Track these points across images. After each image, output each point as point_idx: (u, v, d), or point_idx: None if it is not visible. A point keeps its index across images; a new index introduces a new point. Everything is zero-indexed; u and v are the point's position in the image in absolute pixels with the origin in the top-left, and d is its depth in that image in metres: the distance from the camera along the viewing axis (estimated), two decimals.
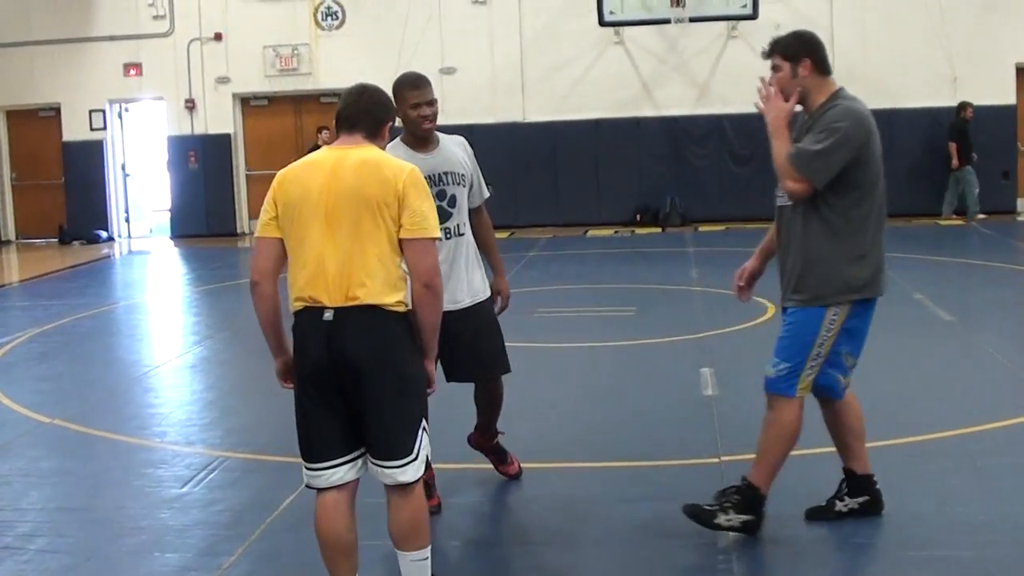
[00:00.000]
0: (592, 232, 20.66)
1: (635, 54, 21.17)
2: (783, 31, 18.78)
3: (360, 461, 4.60)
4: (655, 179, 21.22)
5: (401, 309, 4.50)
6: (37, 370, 10.82)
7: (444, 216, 5.74)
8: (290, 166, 4.71)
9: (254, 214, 22.52)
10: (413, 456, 4.50)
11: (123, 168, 23.34)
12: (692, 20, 19.33)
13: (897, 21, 20.29)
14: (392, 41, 21.37)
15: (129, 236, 23.34)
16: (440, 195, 5.83)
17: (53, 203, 22.97)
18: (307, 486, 4.64)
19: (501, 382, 6.23)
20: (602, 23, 19.80)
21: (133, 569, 5.63)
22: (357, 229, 4.45)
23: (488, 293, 6.17)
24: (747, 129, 20.82)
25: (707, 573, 5.17)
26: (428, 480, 5.74)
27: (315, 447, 4.55)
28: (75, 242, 22.44)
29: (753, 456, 5.76)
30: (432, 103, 5.87)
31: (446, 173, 5.96)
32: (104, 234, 22.80)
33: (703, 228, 20.29)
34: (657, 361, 10.07)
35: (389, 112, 4.74)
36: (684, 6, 18.90)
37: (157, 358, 11.53)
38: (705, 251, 17.34)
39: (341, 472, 4.56)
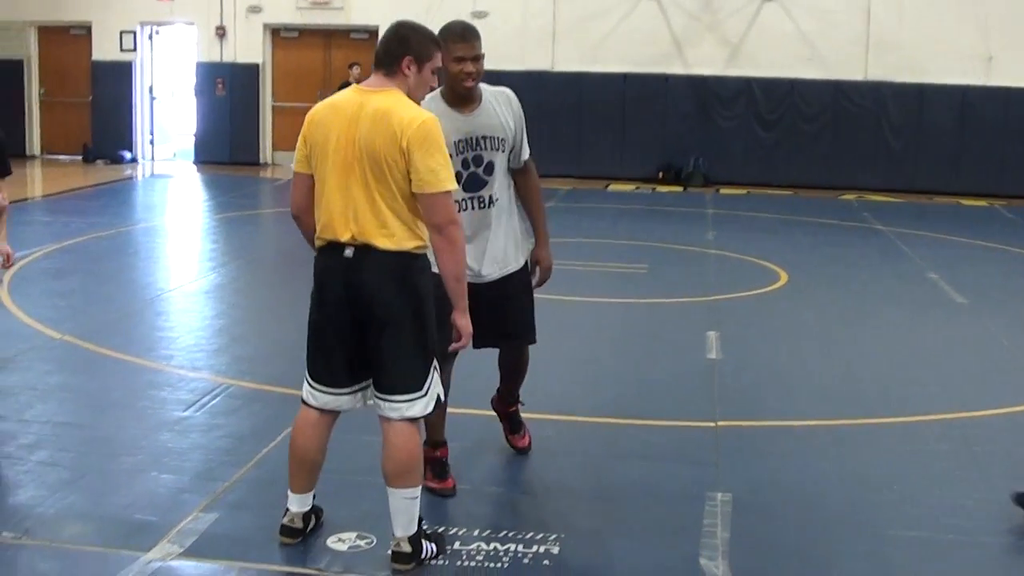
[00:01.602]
0: (613, 186, 20.63)
1: (668, 9, 21.02)
2: None
3: (360, 395, 4.83)
4: (680, 137, 21.13)
5: (419, 252, 4.64)
6: (51, 285, 10.93)
7: (478, 184, 5.52)
8: (318, 105, 4.82)
9: (278, 145, 22.56)
10: (423, 392, 4.69)
11: (151, 91, 23.33)
12: None
13: None
14: None
15: (153, 159, 23.38)
16: (476, 160, 5.51)
17: (79, 121, 23.00)
18: (302, 399, 4.88)
19: (527, 351, 6.05)
20: None
21: (129, 487, 5.73)
22: (369, 180, 4.57)
23: (521, 263, 5.78)
24: (776, 93, 20.77)
25: (692, 532, 5.22)
26: (443, 459, 5.77)
27: (322, 370, 4.80)
28: (99, 161, 22.48)
29: (749, 423, 5.82)
30: (478, 59, 5.40)
31: (484, 138, 5.51)
32: (128, 155, 22.83)
33: (725, 190, 20.24)
34: (664, 321, 10.12)
35: (406, 46, 4.67)
36: None
37: (171, 282, 11.63)
38: (724, 213, 17.32)
39: (340, 401, 4.83)
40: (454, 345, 4.78)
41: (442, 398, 4.87)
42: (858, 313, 10.56)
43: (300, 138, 4.77)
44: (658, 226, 15.89)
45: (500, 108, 5.59)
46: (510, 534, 5.16)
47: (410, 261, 4.64)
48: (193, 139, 23.33)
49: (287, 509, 5.02)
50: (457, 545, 5.04)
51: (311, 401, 4.86)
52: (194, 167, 22.60)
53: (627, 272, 12.12)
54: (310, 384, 4.85)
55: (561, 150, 21.22)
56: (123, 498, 5.57)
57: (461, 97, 5.47)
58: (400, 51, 4.68)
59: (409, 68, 4.68)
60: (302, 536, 5.02)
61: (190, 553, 4.93)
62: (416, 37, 4.72)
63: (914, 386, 8.09)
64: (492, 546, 5.04)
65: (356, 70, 20.48)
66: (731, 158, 20.99)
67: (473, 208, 5.56)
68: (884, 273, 12.64)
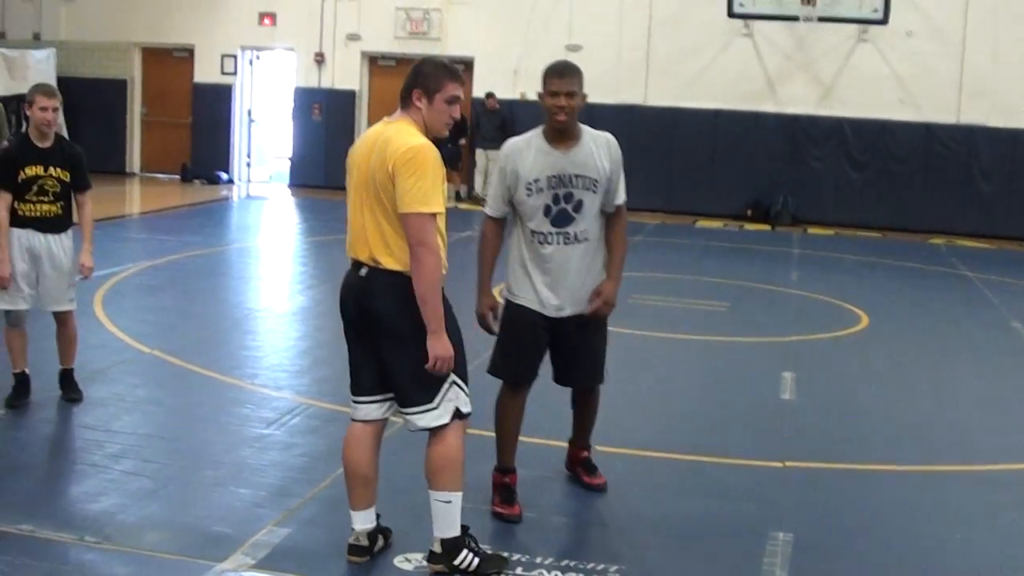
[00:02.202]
0: (701, 222, 20.67)
1: (762, 48, 21.06)
2: (913, 39, 18.61)
3: (387, 405, 5.13)
4: (769, 176, 21.12)
5: None
6: (143, 301, 11.27)
7: (566, 220, 5.69)
8: (359, 137, 5.17)
9: None
10: (433, 406, 4.95)
11: (249, 113, 23.87)
12: (821, 19, 19.19)
13: None
14: (521, 14, 21.55)
15: (248, 180, 23.88)
16: (566, 197, 5.67)
17: (179, 141, 23.59)
18: (350, 416, 5.19)
19: (598, 392, 6.19)
20: (731, 14, 19.77)
21: (207, 499, 5.95)
22: (375, 206, 4.88)
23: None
24: (867, 134, 20.68)
25: (751, 570, 5.29)
26: (511, 485, 5.94)
27: (354, 382, 5.16)
28: (196, 181, 23.03)
29: (817, 464, 5.87)
30: (572, 95, 5.56)
31: (577, 176, 5.67)
32: (225, 176, 23.36)
33: (812, 230, 20.19)
34: (740, 360, 10.16)
35: (415, 78, 4.93)
36: (815, 5, 18.76)
37: (260, 302, 11.94)
38: (810, 254, 17.30)
39: (370, 409, 5.12)
40: (428, 367, 4.83)
41: (463, 410, 5.01)
42: (936, 360, 10.53)
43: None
44: (743, 264, 15.91)
45: (598, 150, 5.74)
46: (572, 563, 5.27)
47: (408, 282, 4.82)
48: (289, 162, 23.80)
49: (352, 529, 5.20)
50: (519, 571, 5.17)
51: (353, 414, 5.18)
52: (289, 190, 23.05)
53: (707, 309, 12.18)
54: (351, 400, 5.18)
55: (651, 184, 21.27)
56: (201, 510, 5.79)
57: (558, 133, 5.67)
58: (411, 83, 4.96)
59: (419, 100, 4.93)
60: (369, 555, 5.18)
61: (261, 566, 5.12)
62: (427, 70, 4.96)
63: (987, 435, 8.06)
64: (553, 573, 5.16)
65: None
66: (820, 198, 20.94)
67: (559, 243, 5.75)
68: (967, 321, 12.56)
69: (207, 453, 6.74)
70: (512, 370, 5.80)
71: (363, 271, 4.94)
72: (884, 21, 19.18)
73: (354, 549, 5.19)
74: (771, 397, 8.58)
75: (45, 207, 7.26)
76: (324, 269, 14.53)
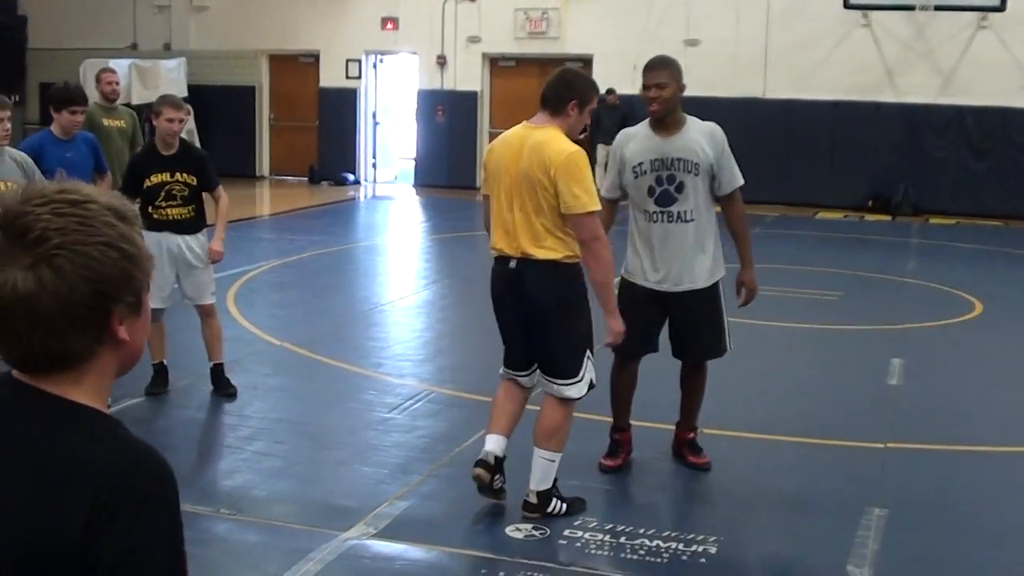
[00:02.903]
0: (822, 214, 20.68)
1: (880, 38, 20.98)
2: None
3: (532, 376, 5.78)
4: (890, 166, 21.03)
5: (569, 261, 5.46)
6: (274, 297, 11.83)
7: (668, 200, 6.15)
8: (496, 139, 5.72)
9: None
10: (578, 378, 5.59)
11: (374, 116, 24.49)
12: (937, 8, 19.07)
13: None
14: (639, 10, 21.76)
15: (375, 181, 24.50)
16: (669, 179, 6.11)
17: (306, 144, 24.32)
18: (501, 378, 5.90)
19: (704, 374, 6.59)
20: (847, 5, 19.74)
21: (334, 477, 6.39)
22: (527, 203, 5.42)
23: (711, 281, 6.26)
24: (989, 123, 20.48)
25: (844, 543, 5.53)
26: (619, 440, 6.59)
27: (507, 356, 5.82)
28: (323, 182, 23.71)
29: (919, 445, 6.07)
30: (661, 86, 6.03)
31: (678, 159, 6.11)
32: (351, 177, 24.01)
33: (934, 220, 20.07)
34: (850, 346, 10.33)
35: (572, 91, 5.49)
36: None
37: (385, 297, 12.43)
38: (929, 244, 17.26)
39: (523, 380, 5.81)
40: (606, 342, 5.61)
41: (594, 382, 5.67)
42: None
43: (483, 166, 5.67)
44: (860, 255, 15.96)
45: (699, 137, 6.20)
46: (673, 534, 5.60)
47: (562, 269, 5.46)
48: (413, 163, 24.37)
49: (484, 450, 5.79)
50: (623, 539, 5.51)
51: (503, 375, 5.87)
52: (413, 189, 23.61)
53: (821, 299, 12.32)
54: (504, 368, 5.86)
55: (770, 177, 21.33)
56: (327, 485, 6.23)
57: (657, 121, 6.19)
58: (568, 95, 5.48)
59: (573, 110, 5.48)
60: (491, 474, 5.71)
61: (383, 534, 5.54)
62: (581, 84, 5.56)
63: None
64: (655, 543, 5.48)
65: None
66: (941, 188, 20.78)
67: (663, 220, 6.21)
68: None
69: (333, 435, 7.19)
70: (620, 343, 6.18)
71: (512, 263, 5.50)
72: (1002, 8, 18.99)
73: (481, 463, 5.74)
74: (878, 382, 8.74)
75: (175, 210, 7.72)
76: (447, 264, 15.01)
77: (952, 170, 20.84)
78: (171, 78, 22.58)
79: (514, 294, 5.55)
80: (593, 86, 5.65)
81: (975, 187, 20.64)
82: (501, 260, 5.59)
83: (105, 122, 10.29)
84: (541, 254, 5.42)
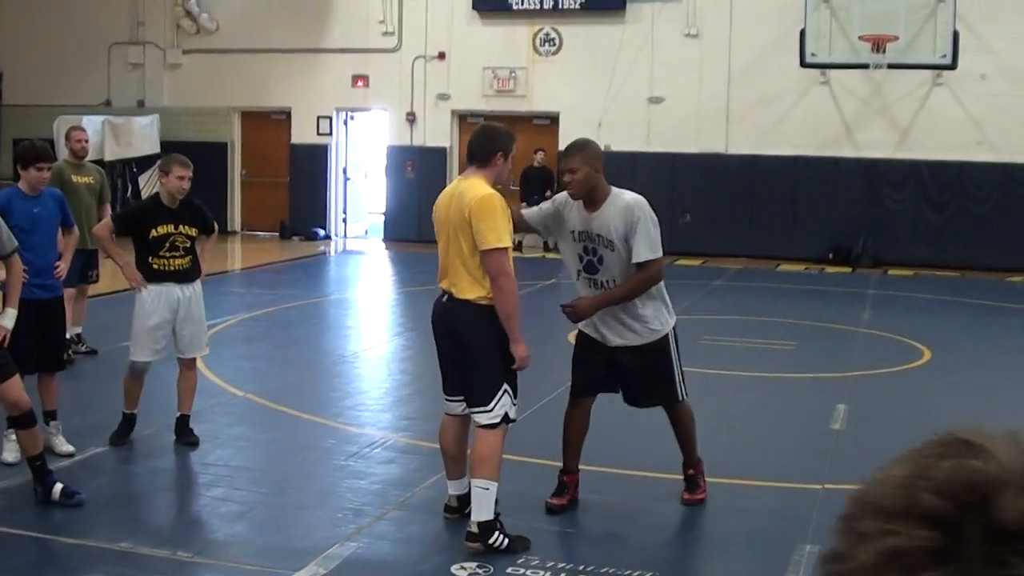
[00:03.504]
0: (783, 266, 21.07)
1: (839, 95, 21.50)
2: (988, 82, 19.02)
3: (464, 404, 6.31)
4: (849, 219, 21.48)
5: (485, 303, 6.02)
6: (240, 350, 12.09)
7: (593, 269, 6.68)
8: (441, 193, 6.35)
9: None
10: (489, 408, 6.08)
11: (344, 171, 24.84)
12: (891, 66, 19.58)
13: None
14: (605, 69, 22.25)
15: (345, 236, 24.82)
16: (592, 251, 6.64)
17: (277, 200, 24.64)
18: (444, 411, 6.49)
19: (683, 415, 6.98)
20: (803, 64, 20.23)
21: (289, 520, 6.66)
22: (455, 246, 6.04)
23: (654, 337, 6.65)
24: (945, 176, 20.98)
25: None
26: (565, 482, 6.90)
27: (443, 383, 6.46)
28: (295, 237, 24.01)
29: (855, 485, 6.37)
30: (572, 171, 6.46)
31: (597, 235, 6.60)
32: (322, 232, 24.32)
33: (893, 271, 20.49)
34: (798, 393, 10.66)
35: (496, 144, 6.15)
36: (884, 52, 19.18)
37: (349, 348, 12.70)
38: (886, 294, 17.64)
39: (453, 406, 6.42)
40: (513, 367, 6.08)
41: (510, 416, 6.11)
42: (989, 388, 10.90)
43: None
44: (817, 305, 16.32)
45: (614, 214, 6.58)
46: (612, 570, 5.87)
47: (480, 309, 6.04)
48: (383, 217, 24.70)
49: (448, 493, 6.55)
50: None
51: (445, 408, 6.49)
52: (383, 244, 23.92)
53: (774, 348, 12.66)
54: (443, 395, 6.47)
55: (733, 230, 21.82)
56: (282, 529, 6.50)
57: (583, 199, 6.62)
58: (494, 148, 6.11)
59: (499, 160, 6.11)
60: (459, 513, 6.44)
61: (333, 573, 5.78)
62: (502, 137, 6.20)
63: None
64: None
65: (540, 155, 21.74)
66: (900, 240, 21.24)
67: (590, 287, 6.72)
68: None
69: (290, 482, 7.44)
70: (573, 382, 6.84)
71: (445, 298, 6.19)
72: (953, 66, 19.50)
73: (447, 508, 6.56)
74: (822, 427, 9.05)
75: (178, 261, 8.05)
76: (413, 317, 15.23)
77: (910, 222, 21.31)
78: (144, 135, 22.91)
79: (443, 326, 6.21)
80: (511, 136, 6.32)
81: (933, 239, 21.10)
82: (439, 295, 6.27)
83: (74, 178, 10.58)
84: (463, 294, 6.05)
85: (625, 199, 6.60)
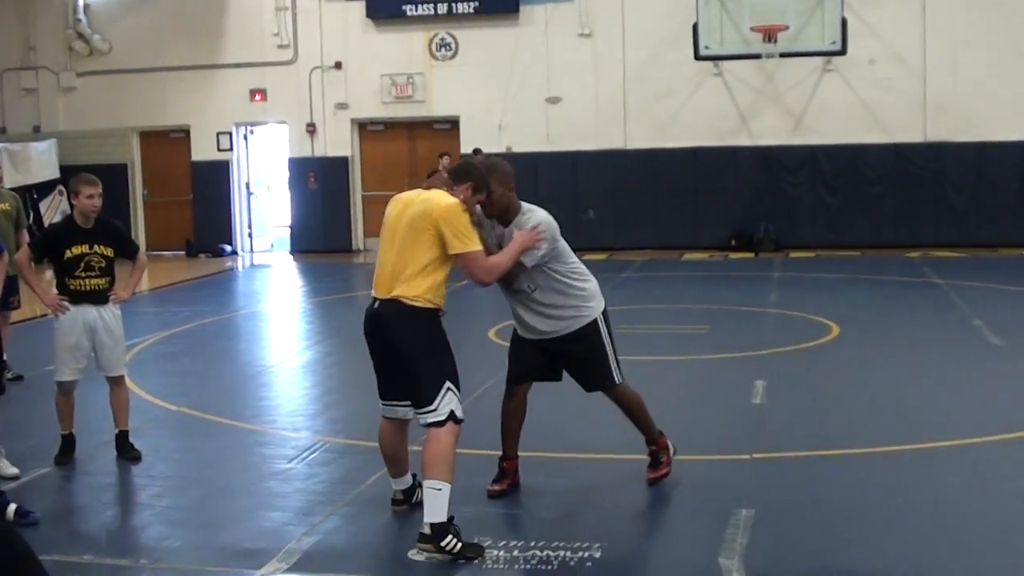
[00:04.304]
0: (688, 255, 21.55)
1: (733, 86, 22.05)
2: (876, 66, 19.64)
3: (405, 408, 6.50)
4: (750, 206, 22.04)
5: (425, 305, 6.18)
6: (165, 366, 12.14)
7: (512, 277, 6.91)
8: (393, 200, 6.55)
9: (369, 232, 23.93)
10: (433, 408, 6.16)
11: (247, 186, 24.84)
12: (783, 55, 20.12)
13: (988, 56, 20.83)
14: (501, 71, 22.57)
15: (251, 250, 24.82)
16: None
17: (181, 218, 24.57)
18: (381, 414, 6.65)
19: (625, 396, 7.28)
20: (697, 57, 20.70)
21: (242, 523, 6.80)
22: (404, 246, 6.25)
23: (581, 324, 6.96)
24: (840, 159, 21.65)
25: (716, 540, 6.11)
26: (505, 468, 7.18)
27: (380, 389, 6.59)
28: (201, 255, 23.95)
29: (780, 454, 6.72)
30: (468, 199, 6.58)
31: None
32: (228, 248, 24.30)
33: (794, 254, 21.07)
34: (717, 373, 11.03)
35: (467, 175, 6.43)
36: (776, 42, 19.71)
37: (272, 359, 12.81)
38: (790, 276, 18.16)
39: (390, 410, 6.61)
40: (534, 239, 6.59)
41: (457, 415, 6.18)
42: (896, 358, 11.40)
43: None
44: (725, 290, 16.77)
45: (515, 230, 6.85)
46: (561, 544, 6.13)
47: (417, 311, 6.16)
48: (289, 230, 24.73)
49: (392, 489, 6.78)
50: (516, 552, 6.03)
51: (382, 412, 6.66)
52: (290, 256, 23.97)
53: (689, 333, 13.04)
54: (380, 400, 6.63)
55: (637, 223, 22.25)
56: (237, 531, 6.64)
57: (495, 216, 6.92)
58: (465, 177, 6.42)
59: (467, 191, 6.38)
60: (406, 504, 6.75)
61: (295, 569, 5.97)
62: (475, 173, 6.48)
63: (935, 417, 8.96)
64: (545, 553, 6.02)
65: (446, 160, 21.98)
66: (799, 223, 21.85)
67: (512, 295, 7.02)
68: (931, 322, 13.49)
69: (237, 487, 7.57)
70: (510, 372, 7.19)
71: (376, 304, 6.27)
72: (843, 52, 20.13)
73: (394, 502, 6.79)
74: (744, 402, 9.43)
75: (93, 281, 8.13)
76: (329, 325, 15.42)
77: (808, 206, 21.93)
78: (43, 160, 22.70)
79: (376, 333, 6.30)
80: (485, 180, 6.48)
81: (831, 220, 21.75)
82: (371, 303, 6.34)
83: None
84: (396, 294, 6.16)
85: (539, 214, 6.86)
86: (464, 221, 6.21)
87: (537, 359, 7.11)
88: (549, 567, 5.85)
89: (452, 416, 6.15)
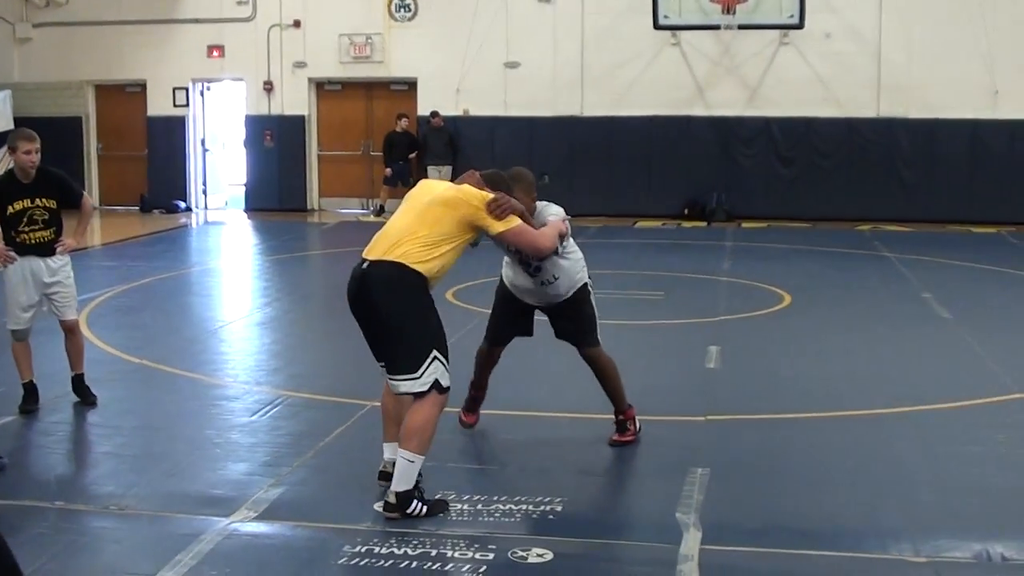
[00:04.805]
0: (641, 223, 21.75)
1: (690, 56, 22.20)
2: (831, 40, 19.83)
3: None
4: (703, 176, 22.24)
5: (416, 268, 6.06)
6: (124, 320, 12.20)
7: (535, 272, 7.22)
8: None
9: (324, 192, 23.95)
10: (416, 376, 6.05)
11: (203, 143, 24.74)
12: (741, 27, 20.30)
13: (943, 34, 21.10)
14: (461, 34, 22.56)
15: (206, 207, 24.72)
16: (526, 263, 7.17)
17: (136, 174, 24.41)
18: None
19: (602, 362, 7.51)
20: (656, 26, 20.84)
21: (210, 473, 6.93)
22: (419, 215, 6.22)
23: (571, 294, 7.31)
24: (794, 132, 21.90)
25: (673, 496, 6.33)
26: (476, 396, 7.63)
27: (372, 353, 6.32)
28: (155, 211, 23.83)
29: (734, 416, 6.95)
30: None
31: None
32: (182, 204, 24.19)
33: (746, 224, 21.32)
34: (671, 338, 11.26)
35: (499, 186, 6.44)
36: (735, 13, 19.89)
37: (230, 315, 12.89)
38: (742, 245, 18.41)
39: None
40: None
41: (442, 383, 6.07)
42: (848, 327, 11.67)
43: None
44: (679, 258, 17.01)
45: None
46: (524, 498, 6.32)
47: (406, 273, 6.04)
48: (244, 188, 24.68)
49: (383, 459, 6.54)
50: (480, 507, 6.21)
51: (381, 374, 6.42)
52: (245, 214, 23.93)
53: (644, 299, 13.25)
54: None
55: (592, 190, 22.38)
56: (205, 481, 6.77)
57: None
58: (498, 184, 6.45)
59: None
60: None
61: (263, 517, 6.12)
62: (504, 182, 6.53)
63: (884, 385, 9.22)
64: (508, 507, 6.21)
65: (404, 121, 22.11)
66: (752, 194, 22.08)
67: (534, 283, 7.31)
68: (881, 294, 13.78)
69: (203, 438, 7.69)
70: (491, 331, 7.54)
71: (365, 264, 6.12)
72: (800, 26, 20.36)
73: (382, 475, 6.49)
74: (698, 367, 9.66)
75: (38, 234, 8.24)
76: (286, 283, 15.49)
77: (761, 177, 22.17)
78: None
79: (361, 297, 6.12)
80: (515, 183, 6.63)
81: (783, 192, 22.02)
82: (358, 263, 6.19)
83: None
84: (394, 256, 6.04)
85: (556, 208, 7.17)
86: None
87: (519, 320, 7.51)
88: (512, 520, 6.04)
89: (436, 385, 6.03)
